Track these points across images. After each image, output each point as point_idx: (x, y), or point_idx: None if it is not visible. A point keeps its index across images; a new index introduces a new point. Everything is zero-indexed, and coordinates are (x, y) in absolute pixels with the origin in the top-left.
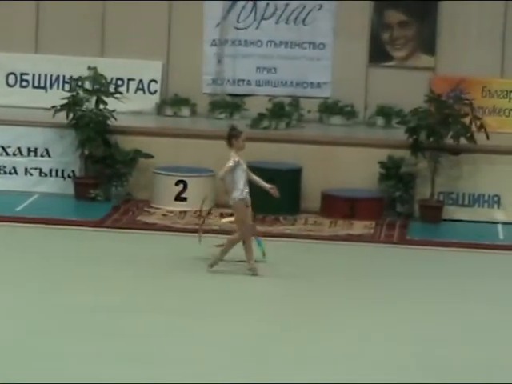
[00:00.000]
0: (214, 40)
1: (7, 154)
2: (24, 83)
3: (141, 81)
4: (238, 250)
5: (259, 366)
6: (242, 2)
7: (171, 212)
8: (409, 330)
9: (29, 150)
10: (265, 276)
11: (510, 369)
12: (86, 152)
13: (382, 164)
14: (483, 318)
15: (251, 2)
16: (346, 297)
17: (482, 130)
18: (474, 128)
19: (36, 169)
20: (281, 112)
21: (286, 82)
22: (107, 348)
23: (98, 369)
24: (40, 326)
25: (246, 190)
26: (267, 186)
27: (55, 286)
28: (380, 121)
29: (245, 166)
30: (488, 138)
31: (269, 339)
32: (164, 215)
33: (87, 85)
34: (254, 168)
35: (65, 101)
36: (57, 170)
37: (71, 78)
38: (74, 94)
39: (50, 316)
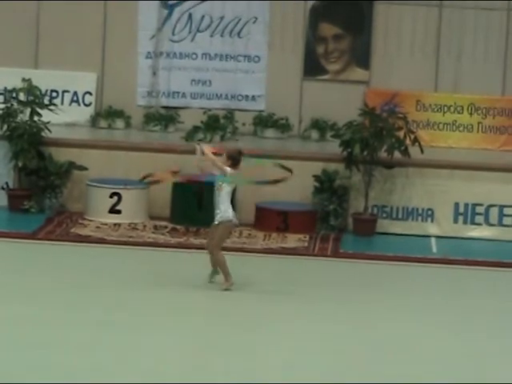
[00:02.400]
0: (148, 52)
1: None
2: None
3: (75, 93)
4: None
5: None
6: (177, 14)
7: (105, 224)
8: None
9: None
10: (200, 289)
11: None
12: (20, 164)
13: (316, 177)
14: (407, 331)
15: (186, 14)
16: (280, 308)
17: (416, 143)
18: (407, 142)
19: None
20: (215, 125)
21: (220, 95)
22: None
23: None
24: None
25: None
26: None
27: None
28: (314, 134)
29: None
30: (422, 151)
31: (209, 348)
32: (98, 227)
33: (21, 96)
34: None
35: None
36: None
37: (5, 89)
38: (8, 105)
39: None
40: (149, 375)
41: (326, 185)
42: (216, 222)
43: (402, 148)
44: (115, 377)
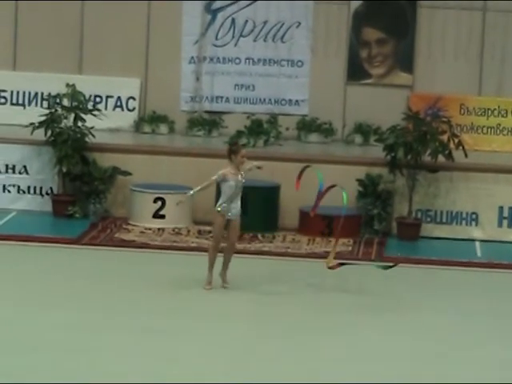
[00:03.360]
0: (192, 57)
1: None
2: (2, 100)
3: (119, 98)
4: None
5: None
6: (221, 19)
7: (149, 229)
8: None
9: (7, 167)
10: (243, 292)
11: None
12: (64, 169)
13: (359, 181)
14: (456, 333)
15: (229, 19)
16: (333, 315)
17: (460, 147)
18: (451, 145)
19: (14, 186)
20: (259, 129)
21: (264, 100)
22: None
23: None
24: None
25: (233, 206)
26: (255, 164)
27: (31, 303)
28: (358, 138)
29: (232, 183)
30: (466, 155)
31: (247, 348)
32: (142, 232)
33: (65, 102)
34: None
35: (43, 118)
36: (35, 187)
37: (49, 95)
38: (53, 111)
39: (27, 333)
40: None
41: (369, 189)
42: (234, 217)
43: (446, 152)
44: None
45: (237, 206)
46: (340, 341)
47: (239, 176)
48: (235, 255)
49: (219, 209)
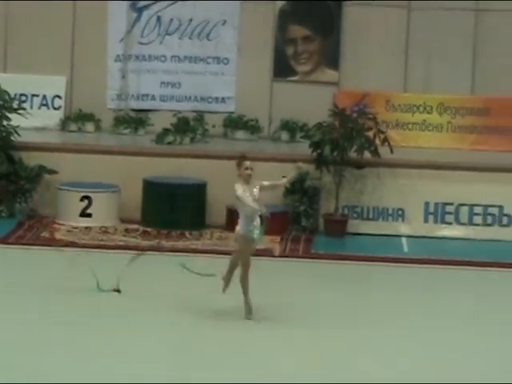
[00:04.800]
0: (118, 55)
1: None
2: None
3: (44, 96)
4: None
5: None
6: (146, 17)
7: (76, 228)
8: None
9: None
10: (169, 289)
11: None
12: None
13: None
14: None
15: (155, 16)
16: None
17: (386, 143)
18: (377, 142)
19: None
20: (185, 127)
21: (190, 97)
22: None
23: None
24: None
25: (254, 224)
26: (281, 182)
27: None
28: (284, 135)
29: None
30: (392, 151)
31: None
32: (69, 231)
33: None
34: (158, 184)
35: None
36: None
37: None
38: None
39: None
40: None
41: (296, 186)
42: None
43: (372, 148)
44: None
45: (257, 223)
46: None
47: (253, 190)
48: (163, 253)
49: (242, 233)
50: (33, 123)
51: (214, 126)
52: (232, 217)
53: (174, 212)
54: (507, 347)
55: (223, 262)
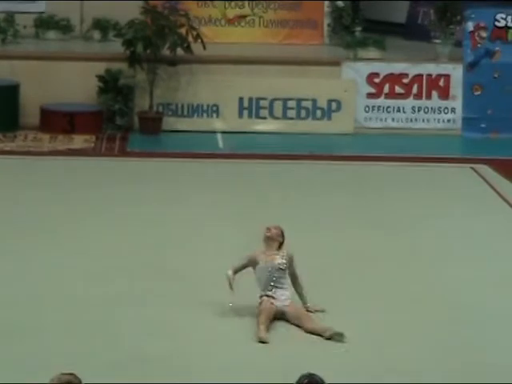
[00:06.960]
0: None
1: None
2: None
3: None
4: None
5: None
6: None
7: None
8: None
9: None
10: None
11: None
12: None
13: (99, 77)
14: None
15: None
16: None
17: (199, 40)
18: (190, 39)
19: None
20: None
21: None
22: None
23: None
24: None
25: (279, 293)
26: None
27: None
28: (97, 34)
29: (262, 265)
30: (204, 48)
31: None
32: None
33: None
34: None
35: None
36: None
37: None
38: None
39: None
40: None
41: (110, 85)
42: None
43: (185, 45)
44: None
45: (285, 292)
46: None
47: (277, 257)
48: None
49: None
50: None
51: (25, 27)
52: (45, 117)
53: None
54: None
55: (37, 164)
